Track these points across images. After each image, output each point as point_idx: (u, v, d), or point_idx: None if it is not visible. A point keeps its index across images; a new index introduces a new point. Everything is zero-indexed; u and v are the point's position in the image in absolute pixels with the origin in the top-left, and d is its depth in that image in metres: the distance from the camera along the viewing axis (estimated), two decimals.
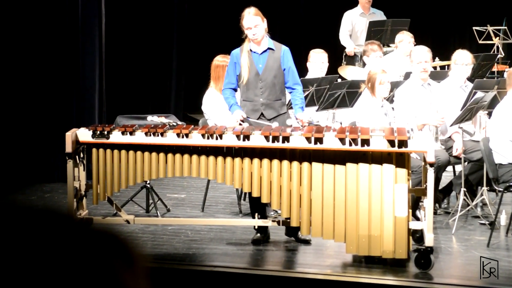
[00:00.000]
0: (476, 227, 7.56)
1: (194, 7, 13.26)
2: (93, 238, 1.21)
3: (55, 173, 9.25)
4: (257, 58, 6.98)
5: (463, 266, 6.49)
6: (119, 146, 6.62)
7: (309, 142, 6.30)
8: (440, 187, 8.01)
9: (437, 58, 10.75)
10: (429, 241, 6.22)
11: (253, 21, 6.90)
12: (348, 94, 8.34)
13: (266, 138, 6.38)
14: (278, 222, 6.78)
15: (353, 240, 6.30)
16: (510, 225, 7.22)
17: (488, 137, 7.35)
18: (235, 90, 7.10)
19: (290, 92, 7.13)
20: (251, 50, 6.97)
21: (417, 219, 6.98)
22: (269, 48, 6.99)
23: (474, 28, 11.99)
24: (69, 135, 6.51)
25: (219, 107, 7.74)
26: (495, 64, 10.79)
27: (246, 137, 6.42)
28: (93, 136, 6.57)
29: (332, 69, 9.64)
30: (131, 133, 6.56)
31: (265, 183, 6.45)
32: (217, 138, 6.46)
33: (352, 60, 11.57)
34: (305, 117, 7.00)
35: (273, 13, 13.23)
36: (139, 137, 6.56)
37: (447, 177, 8.36)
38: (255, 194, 6.51)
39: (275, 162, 6.42)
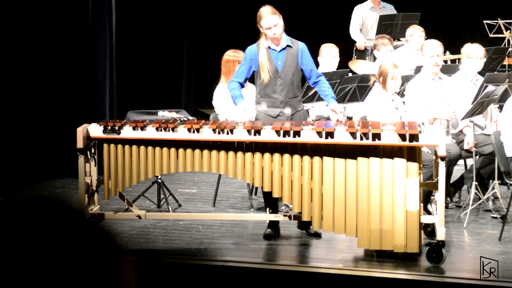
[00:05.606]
0: (487, 220, 7.55)
1: (205, 2, 13.25)
2: (85, 230, 1.21)
3: (66, 169, 9.26)
4: (275, 56, 6.94)
5: (475, 260, 6.46)
6: (130, 142, 6.62)
7: (320, 136, 6.30)
8: (451, 181, 8.00)
9: (447, 52, 10.71)
10: (440, 235, 6.21)
11: (272, 20, 6.86)
12: (359, 88, 8.33)
13: (277, 132, 6.38)
14: (290, 217, 6.79)
15: (365, 234, 6.30)
16: None
17: (499, 131, 7.33)
18: (242, 86, 7.08)
19: (314, 85, 7.13)
20: (269, 47, 6.96)
21: (429, 213, 6.96)
22: (287, 45, 6.97)
23: (484, 21, 11.94)
24: (80, 131, 6.52)
25: (230, 102, 7.73)
26: (506, 57, 10.75)
27: (257, 132, 6.42)
28: (104, 131, 6.59)
29: (343, 63, 9.63)
30: (142, 128, 6.57)
31: (276, 178, 6.45)
32: (228, 133, 6.47)
33: (362, 54, 11.55)
34: (338, 107, 7.07)
35: (284, 7, 13.21)
36: (150, 132, 6.56)
37: (458, 171, 8.34)
38: (266, 188, 6.51)
39: (286, 156, 6.42)
